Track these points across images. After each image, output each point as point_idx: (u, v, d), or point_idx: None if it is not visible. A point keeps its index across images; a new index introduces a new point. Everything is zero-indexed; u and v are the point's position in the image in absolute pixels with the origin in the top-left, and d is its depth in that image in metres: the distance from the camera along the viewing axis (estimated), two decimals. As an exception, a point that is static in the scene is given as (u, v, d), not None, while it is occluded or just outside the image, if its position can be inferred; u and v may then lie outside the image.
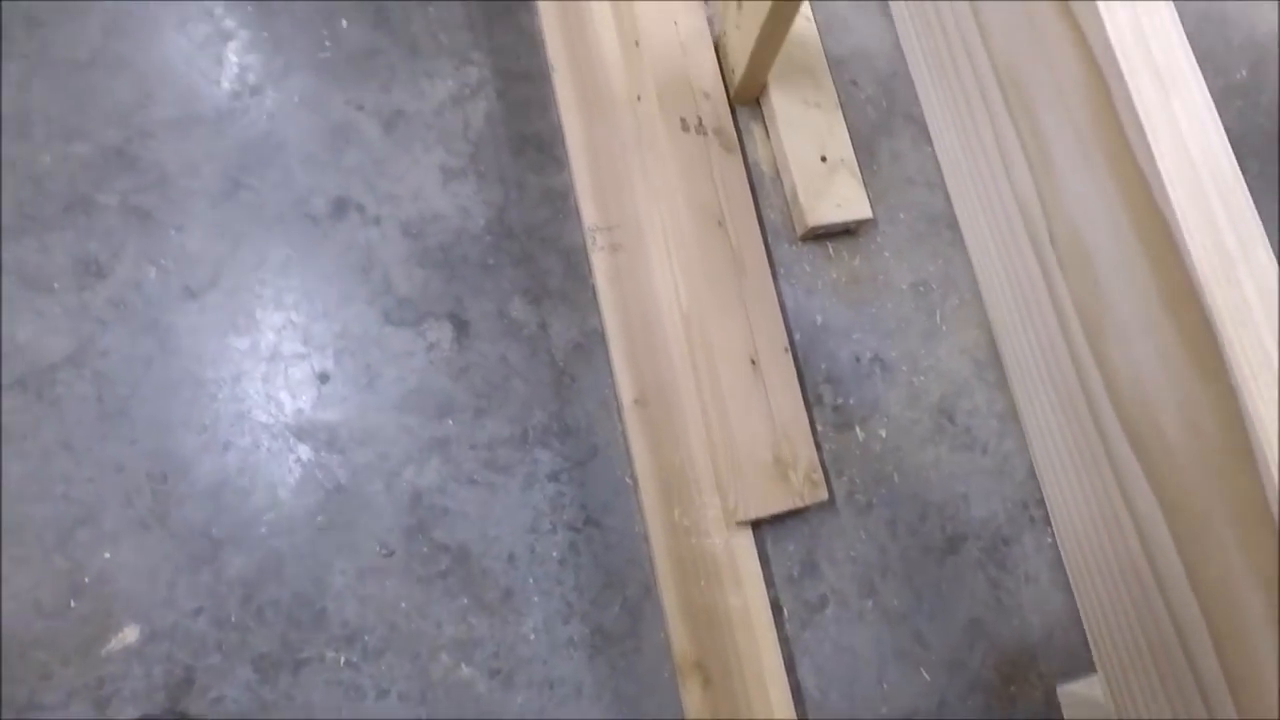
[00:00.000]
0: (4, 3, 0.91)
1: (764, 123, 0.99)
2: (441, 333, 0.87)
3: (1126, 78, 0.25)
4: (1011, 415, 0.98)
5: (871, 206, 0.97)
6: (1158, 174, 0.24)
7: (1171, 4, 0.27)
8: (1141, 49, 0.25)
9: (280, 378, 0.84)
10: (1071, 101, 0.27)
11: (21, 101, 0.89)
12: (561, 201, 0.93)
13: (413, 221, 0.90)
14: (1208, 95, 0.27)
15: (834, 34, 1.07)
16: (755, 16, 0.83)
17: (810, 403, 0.91)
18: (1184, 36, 0.27)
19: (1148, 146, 0.24)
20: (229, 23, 0.95)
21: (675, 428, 0.85)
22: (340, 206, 0.89)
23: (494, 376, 0.87)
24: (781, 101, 0.96)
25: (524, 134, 0.95)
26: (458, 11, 0.98)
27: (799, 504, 0.81)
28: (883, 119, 1.05)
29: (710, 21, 0.99)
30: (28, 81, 0.90)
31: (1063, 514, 0.36)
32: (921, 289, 0.99)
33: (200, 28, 0.94)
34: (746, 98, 0.99)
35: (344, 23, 0.96)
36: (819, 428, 0.90)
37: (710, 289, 0.84)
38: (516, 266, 0.90)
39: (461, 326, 0.88)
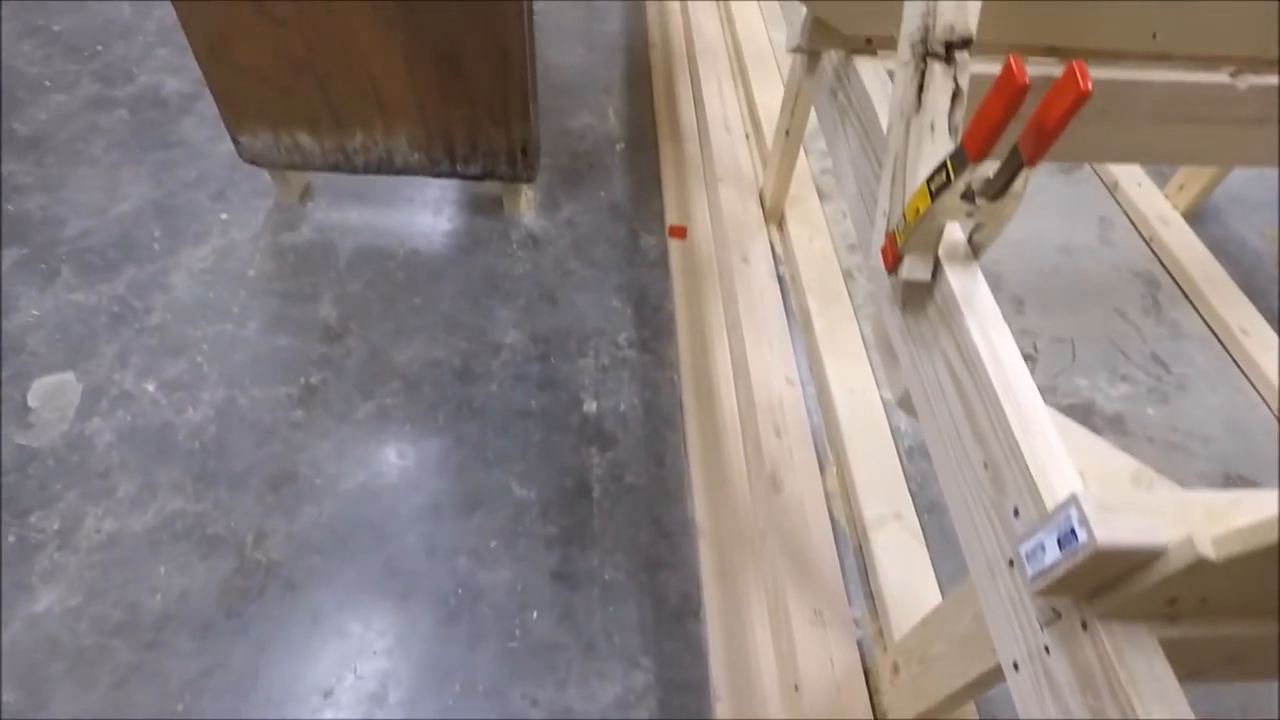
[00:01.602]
0: (262, 569, 1.12)
1: (918, 768, 0.99)
2: None
3: None
4: None
5: None
6: None
7: None
8: None
9: None
10: None
11: (254, 661, 1.04)
12: (710, 840, 0.93)
13: (562, 842, 0.91)
14: None
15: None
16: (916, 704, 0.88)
17: None
18: None
19: None
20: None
21: None
22: (498, 815, 0.92)
23: None
24: (937, 755, 0.97)
25: (681, 754, 0.99)
26: (633, 613, 1.11)
27: None
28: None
29: (860, 645, 1.05)
30: (266, 643, 1.05)
31: None
32: None
33: (429, 620, 1.09)
34: (900, 740, 1.01)
35: (534, 614, 1.10)
36: None
37: None
38: None
39: None
